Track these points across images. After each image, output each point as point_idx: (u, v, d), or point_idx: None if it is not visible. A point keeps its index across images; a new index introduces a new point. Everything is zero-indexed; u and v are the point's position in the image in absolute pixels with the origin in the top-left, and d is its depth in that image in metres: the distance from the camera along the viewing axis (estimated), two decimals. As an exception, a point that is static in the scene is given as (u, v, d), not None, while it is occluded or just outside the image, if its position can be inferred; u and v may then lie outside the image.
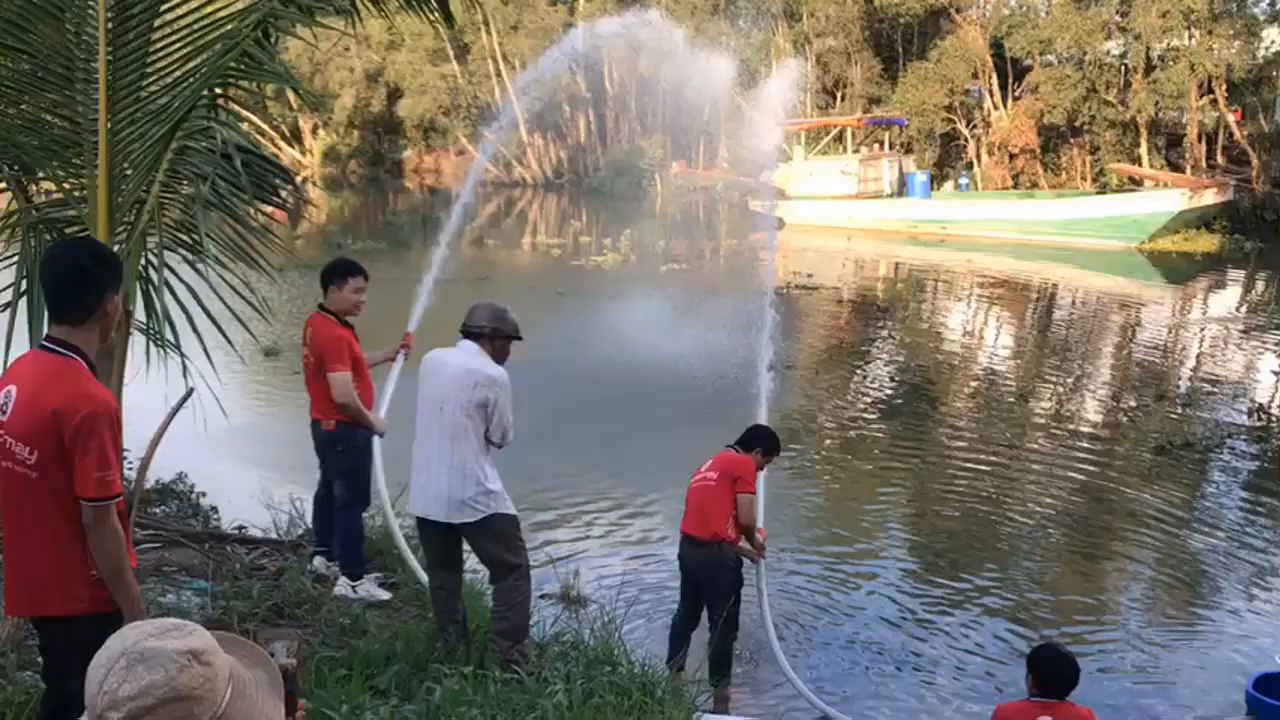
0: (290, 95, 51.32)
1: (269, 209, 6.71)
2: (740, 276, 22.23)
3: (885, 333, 19.72)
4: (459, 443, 5.32)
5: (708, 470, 6.78)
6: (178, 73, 5.44)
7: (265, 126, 51.52)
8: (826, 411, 13.67)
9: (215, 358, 6.05)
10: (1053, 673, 5.11)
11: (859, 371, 16.59)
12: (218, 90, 5.53)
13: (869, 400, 14.71)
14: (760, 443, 6.94)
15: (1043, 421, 13.16)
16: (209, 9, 5.43)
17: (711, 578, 6.59)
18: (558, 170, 47.90)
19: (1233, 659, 7.37)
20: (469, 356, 5.46)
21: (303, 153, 55.08)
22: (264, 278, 6.25)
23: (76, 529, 3.27)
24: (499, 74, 44.89)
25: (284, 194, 6.75)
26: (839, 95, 38.56)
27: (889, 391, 15.33)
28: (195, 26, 5.41)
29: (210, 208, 5.67)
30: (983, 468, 11.35)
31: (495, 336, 5.50)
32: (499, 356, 5.52)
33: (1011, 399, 14.38)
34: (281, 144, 53.98)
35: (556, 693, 5.04)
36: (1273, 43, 30.07)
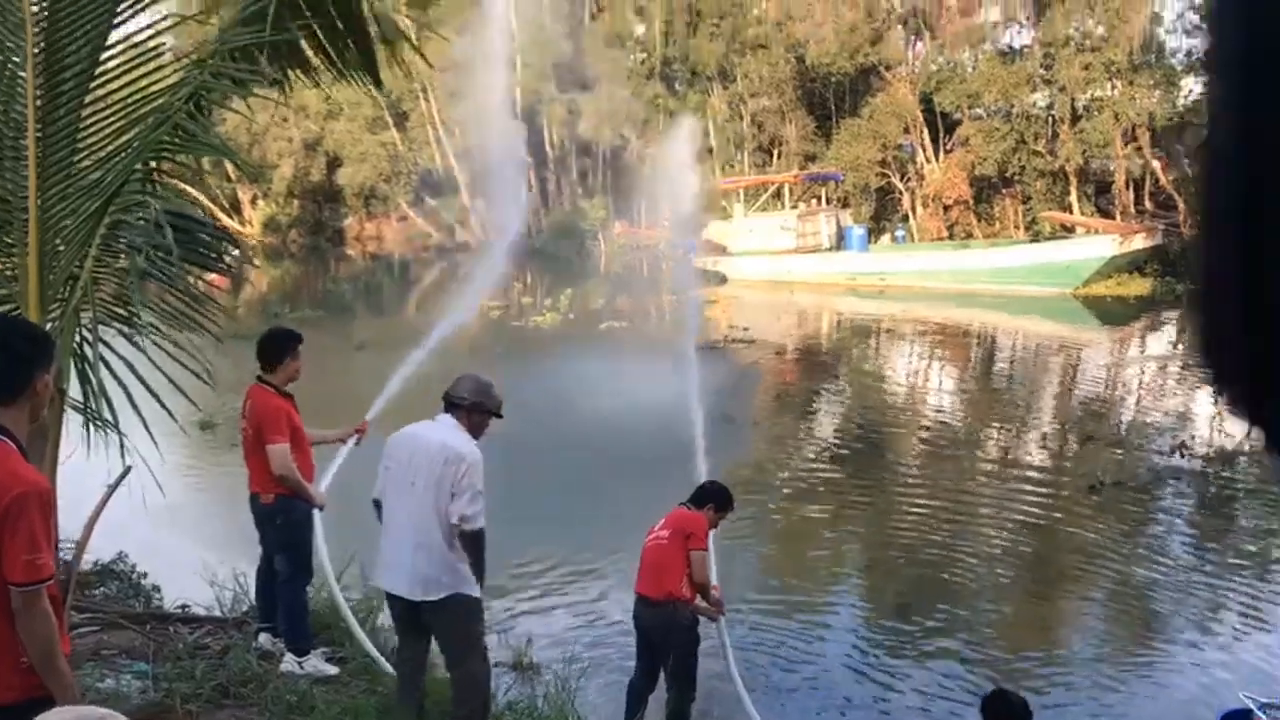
0: (228, 166, 51.20)
1: (210, 276, 6.63)
2: (679, 332, 22.40)
3: (830, 383, 19.90)
4: (429, 520, 5.21)
5: (660, 529, 6.75)
6: (110, 147, 5.40)
7: (203, 199, 51.21)
8: (777, 462, 13.73)
9: (155, 432, 5.93)
10: (1005, 716, 5.13)
11: (807, 421, 16.69)
12: (151, 164, 5.49)
13: (817, 449, 14.79)
14: (712, 499, 6.93)
15: (987, 465, 13.33)
16: (141, 84, 5.41)
17: (666, 637, 6.54)
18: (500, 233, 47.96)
19: (1189, 693, 7.44)
20: (445, 431, 5.36)
21: (242, 223, 54.60)
22: (207, 346, 6.16)
23: (6, 614, 3.17)
24: (438, 140, 45.05)
25: (226, 258, 6.68)
26: (775, 153, 39.15)
27: (836, 440, 15.42)
28: (127, 101, 5.37)
29: (147, 277, 5.60)
30: (932, 511, 11.45)
31: (474, 410, 5.42)
32: (475, 431, 5.42)
33: (956, 443, 14.55)
34: (221, 215, 53.60)
35: (511, 762, 4.96)
36: (1191, 91, 31.06)
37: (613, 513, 9.89)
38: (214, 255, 6.12)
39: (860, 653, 8.25)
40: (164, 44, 5.78)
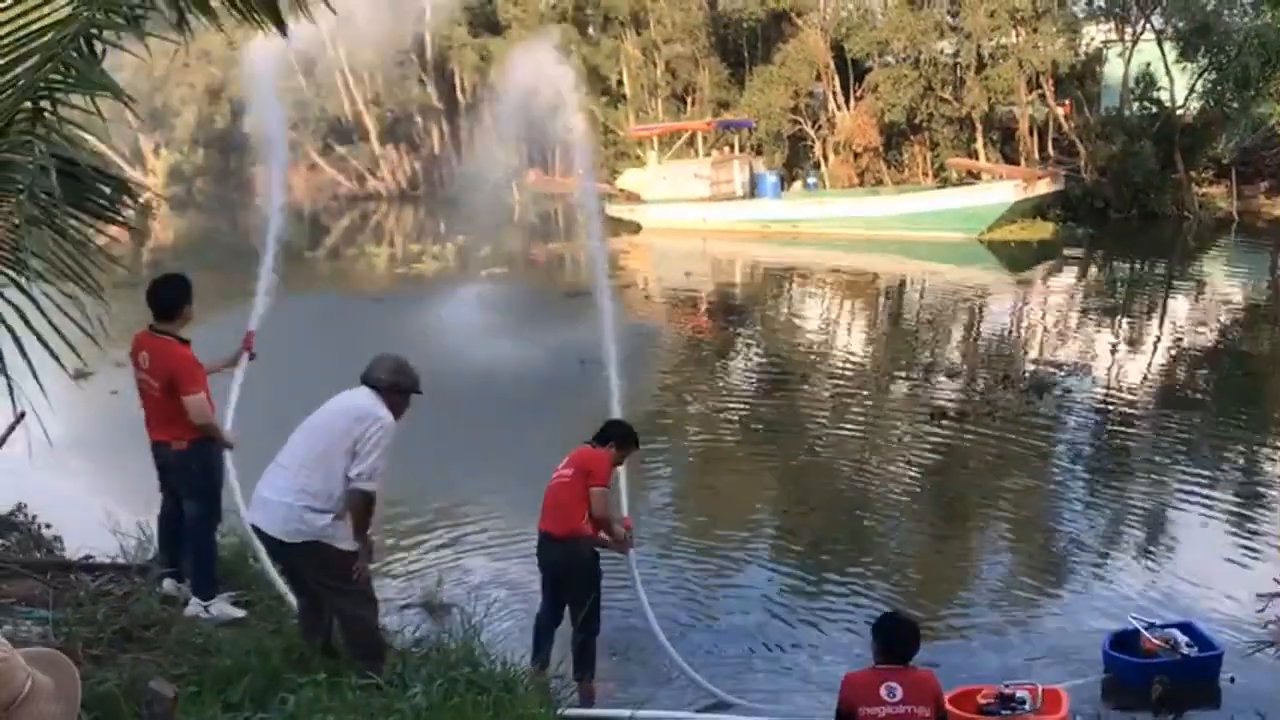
0: (129, 114, 49.56)
1: (112, 229, 6.51)
2: (554, 280, 22.95)
3: (742, 328, 20.19)
4: (313, 467, 5.30)
5: (563, 467, 6.88)
6: (-4, 83, 5.27)
7: (103, 147, 49.57)
8: (686, 405, 13.96)
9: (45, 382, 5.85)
10: (894, 640, 5.38)
11: (718, 365, 16.95)
12: (41, 104, 5.36)
13: (729, 393, 15.06)
14: (614, 437, 7.05)
15: (896, 406, 13.67)
16: (25, 19, 5.27)
17: (569, 573, 6.69)
18: (413, 182, 47.32)
19: (1093, 619, 7.78)
20: (363, 397, 5.45)
21: (145, 173, 53.10)
22: (98, 298, 6.07)
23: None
24: (347, 87, 44.14)
25: (121, 208, 6.56)
26: (689, 100, 39.08)
27: (748, 384, 15.71)
28: (12, 38, 5.25)
29: (37, 224, 5.50)
30: (842, 450, 11.79)
31: (393, 390, 5.49)
32: (395, 411, 5.48)
33: (866, 385, 14.91)
34: (122, 164, 51.97)
35: (415, 695, 5.07)
36: (1093, 39, 31.72)
37: (520, 450, 9.98)
38: (107, 204, 6.02)
39: (770, 592, 8.49)
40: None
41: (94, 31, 5.20)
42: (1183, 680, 6.76)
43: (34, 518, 8.45)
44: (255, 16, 5.37)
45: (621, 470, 7.43)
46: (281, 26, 5.34)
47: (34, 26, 5.15)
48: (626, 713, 6.59)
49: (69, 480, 9.54)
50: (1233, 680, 6.78)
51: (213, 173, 52.98)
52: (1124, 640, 7.05)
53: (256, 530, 5.61)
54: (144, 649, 5.62)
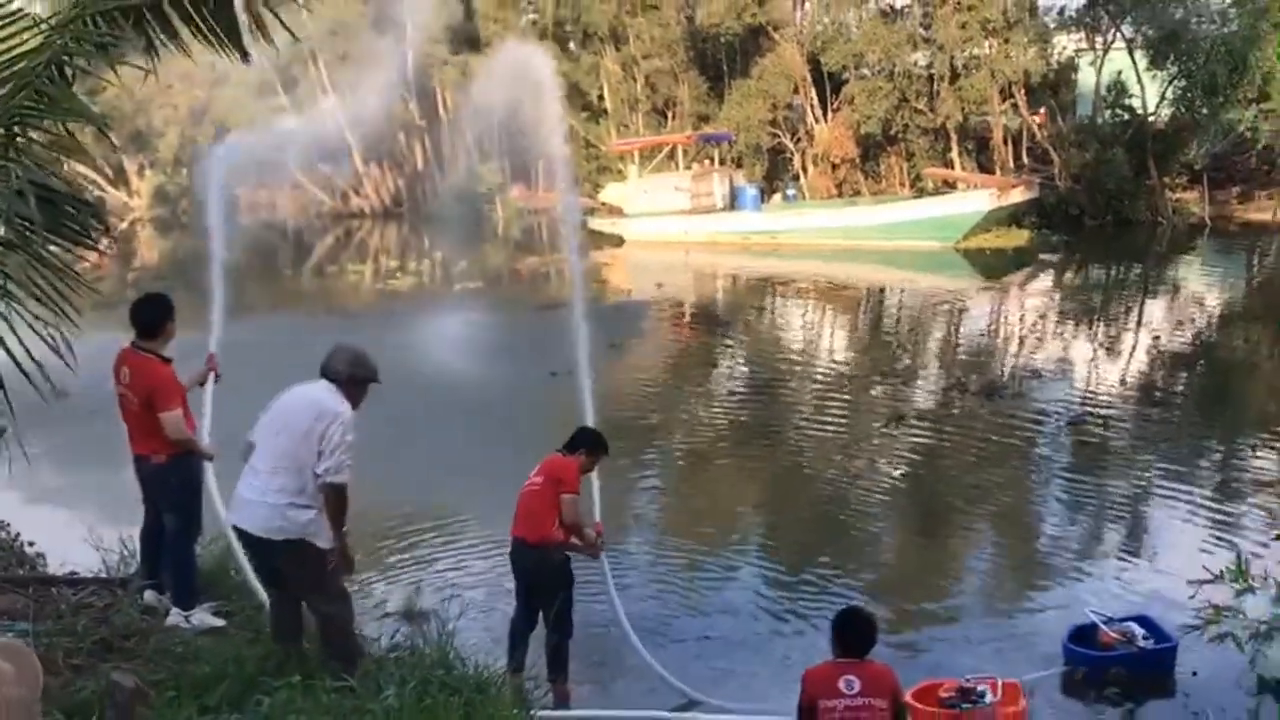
0: (112, 136, 49.65)
1: (94, 255, 6.69)
2: (529, 293, 23.38)
3: (723, 338, 20.42)
4: (287, 467, 5.45)
5: (535, 475, 7.06)
6: (-29, 112, 5.44)
7: (87, 169, 49.66)
8: (668, 410, 14.19)
9: (16, 403, 5.98)
10: (851, 634, 5.55)
11: (701, 374, 17.15)
12: (14, 130, 5.53)
13: (713, 400, 15.28)
14: (584, 444, 7.24)
15: (878, 411, 13.82)
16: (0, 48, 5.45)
17: (541, 577, 6.87)
18: (396, 199, 47.51)
19: (1056, 613, 7.99)
20: (321, 392, 5.59)
21: (129, 194, 53.20)
22: (80, 318, 6.22)
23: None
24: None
25: (94, 233, 6.71)
26: (670, 114, 39.38)
27: (732, 391, 15.91)
28: (-15, 66, 5.42)
29: (13, 248, 5.65)
30: (815, 451, 12.05)
31: (351, 382, 5.63)
32: (354, 401, 5.63)
33: (845, 391, 15.12)
34: (107, 186, 52.05)
35: (388, 696, 5.23)
36: (1064, 49, 32.10)
37: (497, 459, 10.15)
38: (81, 229, 6.17)
39: (750, 594, 8.66)
40: (23, 9, 5.82)
41: (65, 58, 5.37)
42: (1139, 672, 6.95)
43: (16, 535, 8.57)
44: (220, 43, 5.57)
45: (594, 476, 7.62)
46: (244, 54, 5.53)
47: (6, 56, 5.32)
48: (600, 713, 6.77)
49: (51, 497, 9.68)
50: (1194, 674, 6.94)
51: (196, 193, 53.00)
52: (1083, 634, 7.25)
53: (238, 531, 5.75)
54: (124, 658, 5.76)
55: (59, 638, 5.79)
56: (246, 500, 5.56)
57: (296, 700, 5.02)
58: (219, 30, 5.50)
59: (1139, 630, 7.15)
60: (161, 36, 5.55)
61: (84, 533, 8.12)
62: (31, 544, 8.55)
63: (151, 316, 6.44)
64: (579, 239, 25.92)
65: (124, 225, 48.97)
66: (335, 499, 5.41)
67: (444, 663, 5.97)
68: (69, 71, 5.52)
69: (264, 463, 5.53)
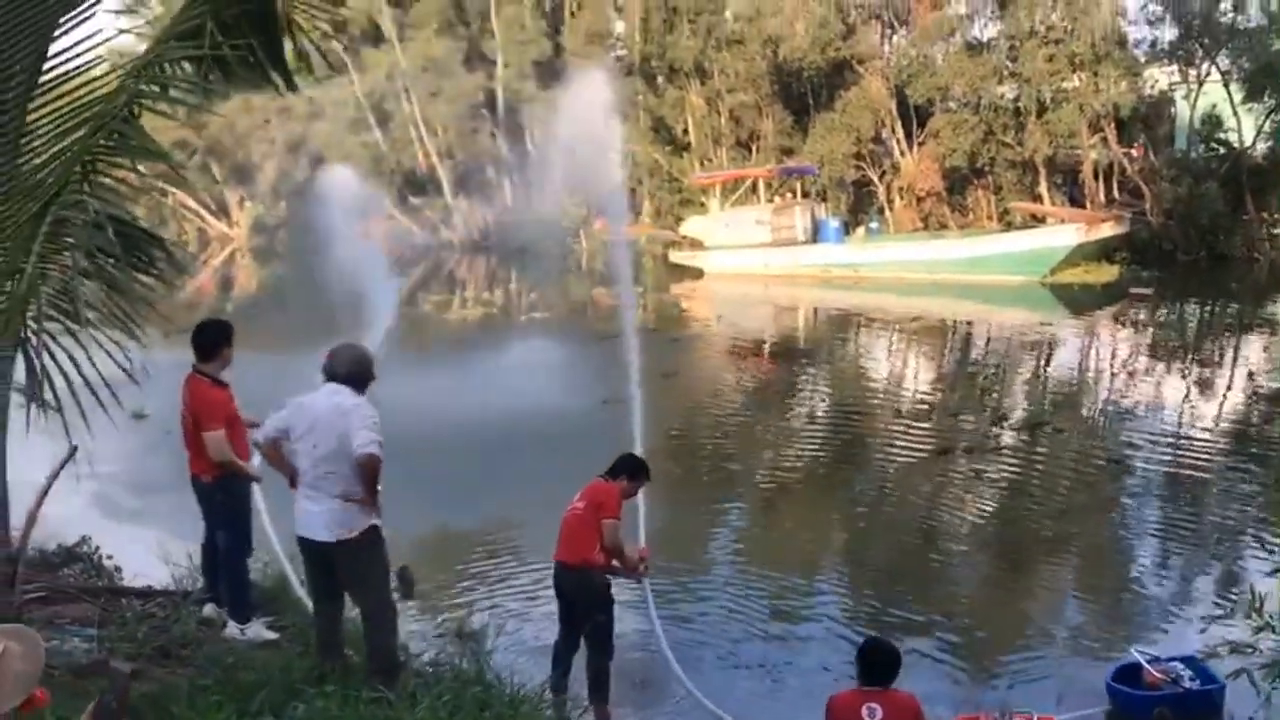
0: (215, 168, 51.57)
1: (198, 280, 7.10)
2: (596, 322, 23.75)
3: (805, 373, 20.40)
4: (334, 473, 5.77)
5: (577, 500, 7.25)
6: (52, 150, 5.87)
7: (190, 200, 51.67)
8: (746, 449, 14.30)
9: (95, 422, 6.35)
10: (875, 663, 5.62)
11: (781, 410, 17.18)
12: (89, 166, 5.93)
13: (795, 437, 15.34)
14: (626, 470, 7.41)
15: (962, 453, 13.65)
16: (79, 92, 5.87)
17: (582, 600, 7.04)
18: (484, 232, 48.42)
19: (1099, 651, 7.91)
20: (334, 395, 5.91)
21: (230, 225, 55.14)
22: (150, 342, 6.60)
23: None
24: (421, 140, 45.48)
25: (159, 263, 7.10)
26: (753, 148, 39.58)
27: (813, 429, 15.93)
28: (67, 108, 5.84)
29: (89, 277, 6.05)
30: (909, 497, 11.99)
31: (350, 380, 5.95)
32: (361, 391, 5.98)
33: (929, 429, 14.99)
34: (209, 218, 54.05)
35: (421, 709, 5.43)
36: (1156, 81, 31.55)
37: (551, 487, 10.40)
38: (148, 260, 6.56)
39: (809, 622, 8.71)
40: (101, 56, 6.26)
41: (138, 101, 5.76)
42: (1184, 713, 6.84)
43: (97, 548, 8.99)
44: (268, 76, 5.93)
45: (640, 500, 7.79)
46: (291, 84, 5.88)
47: (85, 99, 5.73)
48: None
49: (129, 514, 10.14)
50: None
51: (294, 224, 54.72)
52: (1127, 673, 7.16)
53: (302, 540, 6.02)
54: (179, 665, 6.08)
55: (120, 643, 6.13)
56: (308, 511, 5.87)
57: (332, 709, 5.25)
58: (272, 69, 5.84)
59: (1185, 670, 7.04)
60: (216, 70, 5.89)
61: (158, 548, 8.56)
62: (110, 557, 8.98)
63: (208, 340, 6.79)
64: (631, 269, 26.59)
65: (225, 254, 50.75)
66: (368, 470, 5.70)
67: (480, 680, 6.18)
68: (137, 111, 5.91)
69: (313, 478, 5.84)
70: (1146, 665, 7.14)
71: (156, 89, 5.76)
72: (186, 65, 5.90)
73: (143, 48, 7.31)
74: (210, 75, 5.94)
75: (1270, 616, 4.41)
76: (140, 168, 6.17)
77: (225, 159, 50.62)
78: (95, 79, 6.03)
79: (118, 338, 6.27)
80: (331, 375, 5.96)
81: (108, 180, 6.36)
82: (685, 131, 41.09)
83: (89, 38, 6.02)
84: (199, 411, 6.61)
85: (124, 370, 6.41)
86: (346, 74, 43.55)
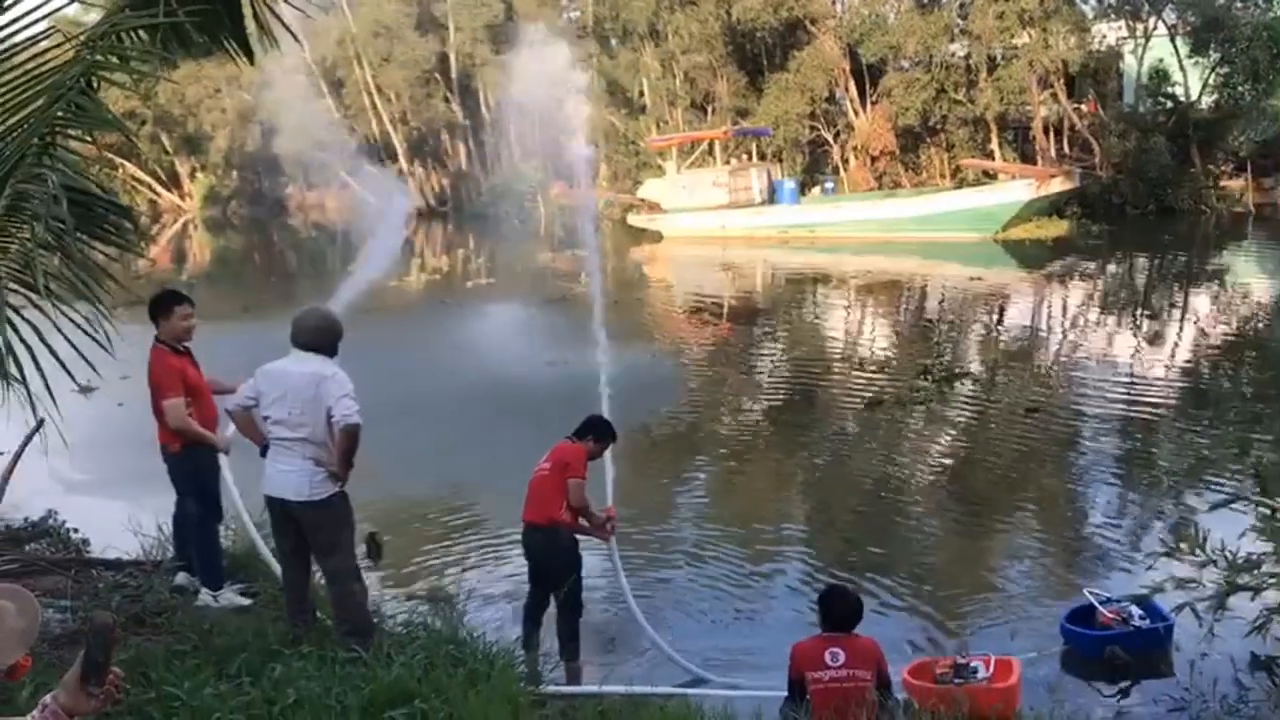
0: (165, 139, 50.76)
1: (153, 255, 7.09)
2: (535, 288, 23.84)
3: (763, 332, 20.58)
4: (308, 438, 5.87)
5: (544, 461, 7.36)
6: (10, 121, 5.84)
7: (140, 172, 50.88)
8: (713, 406, 14.49)
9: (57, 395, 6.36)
10: (837, 610, 5.81)
11: (740, 368, 17.35)
12: (48, 138, 5.91)
13: (756, 394, 15.52)
14: (592, 431, 7.52)
15: (915, 405, 13.91)
16: (33, 63, 5.84)
17: (550, 559, 7.16)
18: (440, 198, 48.16)
19: (1056, 594, 8.13)
20: (307, 362, 5.97)
21: (182, 196, 54.44)
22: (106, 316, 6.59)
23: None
24: (374, 106, 45.04)
25: (126, 234, 7.10)
26: (709, 109, 39.59)
27: (774, 386, 16.13)
28: (22, 79, 5.81)
29: (50, 249, 6.04)
30: (867, 449, 12.25)
31: (325, 346, 6.02)
32: (332, 356, 6.04)
33: (883, 382, 15.23)
34: (160, 189, 53.30)
35: (396, 667, 5.54)
36: (1104, 36, 31.88)
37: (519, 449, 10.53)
38: (112, 230, 6.56)
39: (775, 576, 8.88)
40: (55, 26, 6.21)
41: (94, 72, 5.75)
42: (1136, 650, 7.10)
43: (63, 522, 9.00)
44: (227, 46, 5.92)
45: (607, 461, 7.92)
46: (250, 55, 5.88)
47: (40, 70, 5.70)
48: (608, 689, 7.04)
49: (91, 487, 10.13)
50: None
51: (246, 194, 54.12)
52: (1081, 614, 7.41)
53: (271, 500, 6.10)
54: (154, 632, 6.15)
55: (95, 613, 6.16)
56: (279, 471, 5.97)
57: (309, 670, 5.35)
58: (232, 39, 5.84)
59: (1136, 610, 7.29)
60: (174, 40, 5.88)
61: (123, 519, 8.57)
62: (76, 530, 8.98)
63: (155, 308, 6.80)
64: (597, 235, 26.79)
65: (177, 226, 50.11)
66: (349, 439, 5.80)
67: (454, 639, 6.29)
68: (95, 82, 5.89)
69: (288, 443, 5.93)
70: (1099, 606, 7.39)
71: (114, 59, 5.73)
72: (143, 34, 5.87)
73: (93, 17, 7.26)
74: (168, 45, 5.93)
75: (1212, 552, 4.62)
76: (95, 139, 6.16)
77: (175, 129, 49.84)
78: (48, 50, 5.99)
79: (82, 310, 6.30)
80: (297, 342, 6.02)
81: (66, 152, 6.39)
82: (641, 94, 40.98)
83: (41, 6, 6.00)
84: (157, 381, 6.63)
85: (100, 344, 6.46)
86: (297, 41, 42.95)
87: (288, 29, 5.96)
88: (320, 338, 5.99)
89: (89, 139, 6.29)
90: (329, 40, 44.01)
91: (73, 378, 6.35)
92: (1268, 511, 4.85)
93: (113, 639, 2.45)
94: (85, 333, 6.33)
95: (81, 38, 6.18)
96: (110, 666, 2.44)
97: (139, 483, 9.74)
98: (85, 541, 8.78)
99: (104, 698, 2.41)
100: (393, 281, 29.11)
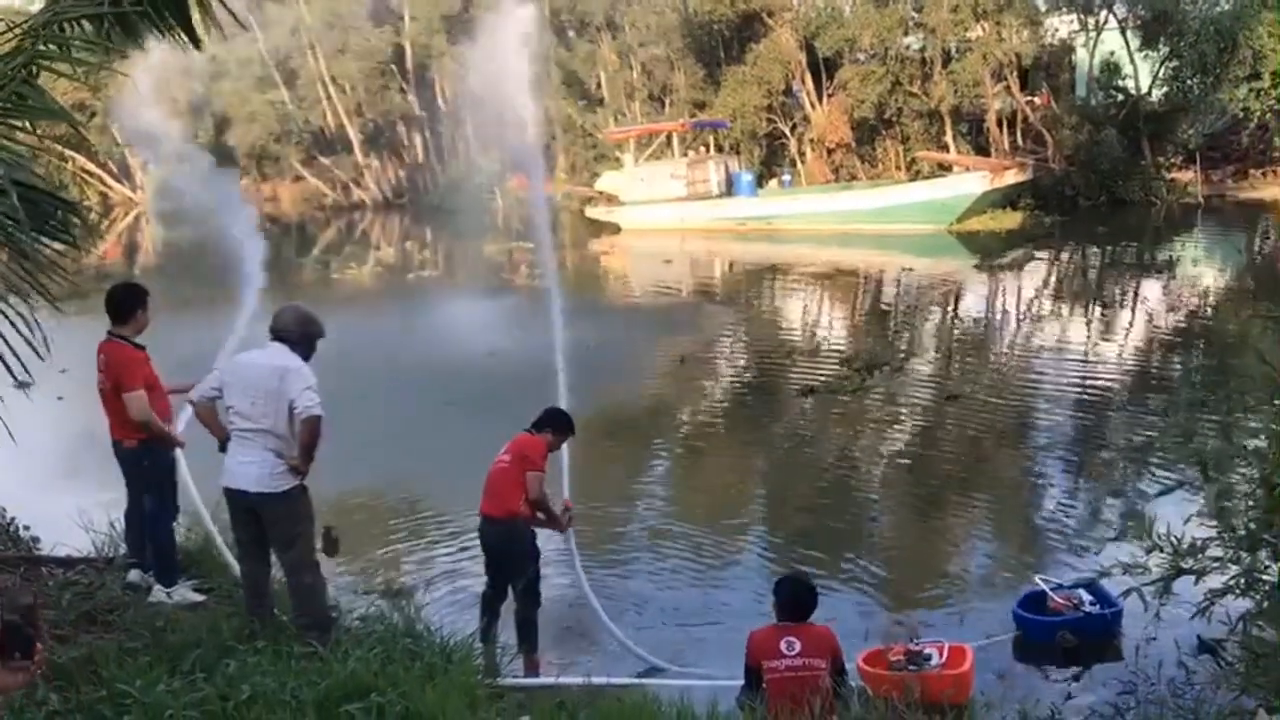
0: (116, 131, 49.88)
1: (104, 248, 6.99)
2: (495, 277, 24.86)
3: (722, 323, 20.63)
4: (269, 430, 5.86)
5: (503, 454, 7.35)
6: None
7: (91, 166, 50.06)
8: (669, 399, 14.51)
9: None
10: (791, 599, 5.85)
11: (699, 359, 17.38)
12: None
13: (714, 384, 15.56)
14: (550, 423, 7.52)
15: (878, 395, 14.02)
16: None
17: (507, 551, 7.16)
18: (397, 190, 47.82)
19: (1009, 581, 8.24)
20: (275, 355, 5.98)
21: (134, 189, 53.64)
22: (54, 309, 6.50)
23: None
24: (329, 98, 44.63)
25: (73, 229, 6.99)
26: (666, 102, 39.60)
27: (731, 377, 16.20)
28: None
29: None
30: (822, 439, 12.34)
31: (303, 340, 6.05)
32: (306, 355, 6.06)
33: (838, 373, 15.30)
34: (111, 182, 52.47)
35: (352, 661, 5.52)
36: (1056, 30, 32.22)
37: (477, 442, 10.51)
38: (59, 226, 6.46)
39: (732, 566, 8.94)
40: (-3, 15, 6.10)
41: (38, 62, 5.65)
42: (1086, 635, 7.22)
43: (11, 519, 8.85)
44: (173, 33, 5.85)
45: (564, 454, 7.92)
46: (196, 41, 5.82)
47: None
48: (566, 680, 7.06)
49: (39, 483, 9.99)
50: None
51: (199, 186, 53.24)
52: (1034, 601, 7.53)
53: (230, 493, 6.07)
54: (105, 630, 6.08)
55: (44, 611, 6.08)
56: (240, 463, 5.95)
57: (264, 665, 5.32)
58: (176, 26, 5.77)
59: (1086, 596, 7.42)
60: (117, 27, 5.80)
61: (75, 515, 8.45)
62: (27, 528, 8.84)
63: (122, 303, 6.72)
64: (548, 226, 26.72)
65: (129, 219, 49.38)
66: (311, 430, 5.81)
67: (411, 632, 6.28)
68: (36, 72, 5.79)
69: (248, 434, 5.92)
70: (1050, 593, 7.52)
71: (56, 49, 5.65)
72: (86, 24, 5.78)
73: (36, 7, 7.14)
74: (112, 34, 5.84)
75: (1159, 537, 4.71)
76: (39, 131, 6.07)
77: (125, 121, 49.00)
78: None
79: (22, 307, 6.20)
80: (280, 335, 6.02)
81: (9, 144, 6.28)
82: (598, 86, 40.91)
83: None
84: (120, 374, 6.54)
85: (28, 342, 6.34)
86: (250, 30, 42.48)
87: (233, 15, 5.90)
88: (296, 329, 5.99)
89: (33, 131, 6.21)
90: (283, 31, 43.56)
91: (11, 374, 6.26)
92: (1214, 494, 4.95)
93: (32, 607, 2.44)
94: (17, 330, 6.23)
95: (24, 27, 6.10)
96: (36, 641, 2.43)
97: (88, 478, 9.64)
98: (35, 539, 8.64)
99: (30, 671, 2.39)
100: (337, 275, 29.35)
